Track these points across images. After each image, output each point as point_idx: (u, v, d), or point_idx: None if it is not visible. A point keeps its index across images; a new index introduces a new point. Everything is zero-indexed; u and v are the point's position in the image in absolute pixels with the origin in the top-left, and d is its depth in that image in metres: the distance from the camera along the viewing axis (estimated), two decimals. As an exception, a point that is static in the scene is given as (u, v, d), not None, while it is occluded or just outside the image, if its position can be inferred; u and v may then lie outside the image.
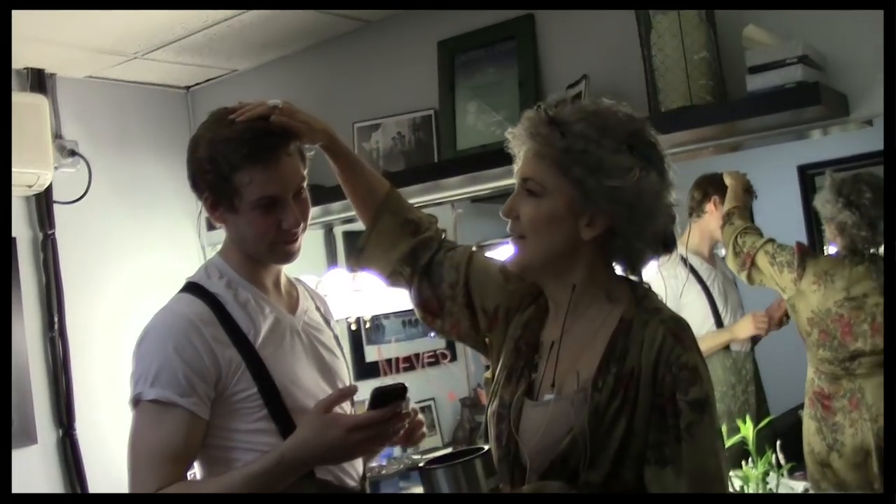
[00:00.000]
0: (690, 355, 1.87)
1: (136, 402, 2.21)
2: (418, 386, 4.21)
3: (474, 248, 2.33)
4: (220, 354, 2.22)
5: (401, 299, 3.98)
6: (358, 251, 2.42)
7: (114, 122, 4.35)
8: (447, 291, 2.26)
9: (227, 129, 2.24)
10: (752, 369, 3.57)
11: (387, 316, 4.33)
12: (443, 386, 4.23)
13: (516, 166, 1.99)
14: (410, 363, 4.18)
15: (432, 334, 4.37)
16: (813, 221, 3.36)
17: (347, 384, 2.47)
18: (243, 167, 2.21)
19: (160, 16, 3.53)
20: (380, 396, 2.12)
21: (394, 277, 2.37)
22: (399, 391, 2.15)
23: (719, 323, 3.58)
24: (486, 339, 2.24)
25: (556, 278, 2.01)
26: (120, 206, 4.33)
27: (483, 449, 1.94)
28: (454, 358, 4.24)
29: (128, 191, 4.37)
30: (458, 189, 3.64)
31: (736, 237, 3.37)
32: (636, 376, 1.86)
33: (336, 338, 2.55)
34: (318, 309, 2.54)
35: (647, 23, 2.96)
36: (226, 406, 2.24)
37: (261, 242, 2.30)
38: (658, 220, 1.93)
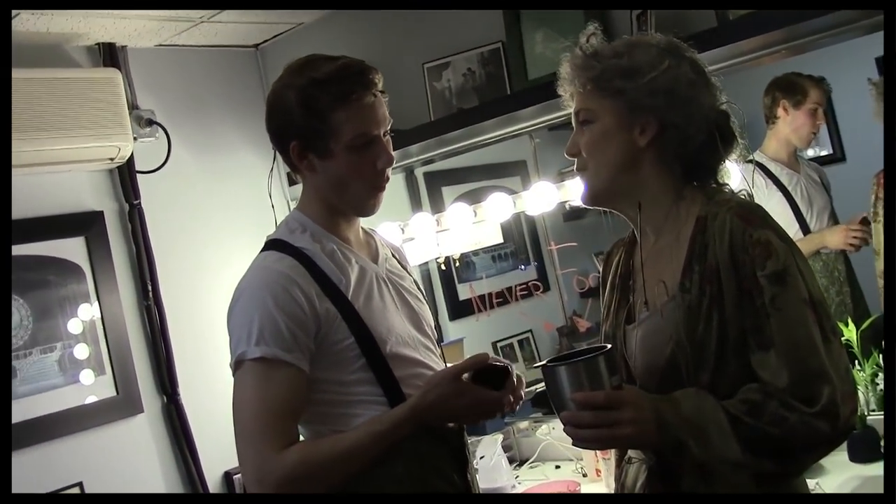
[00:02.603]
0: (760, 232, 1.93)
1: (240, 363, 2.27)
2: (514, 319, 4.31)
3: None
4: (318, 306, 2.29)
5: (488, 235, 4.14)
6: None
7: (187, 87, 4.48)
8: None
9: (317, 72, 2.34)
10: (844, 270, 3.61)
11: (476, 253, 4.39)
12: (538, 317, 4.30)
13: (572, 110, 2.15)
14: (504, 297, 4.24)
15: (522, 266, 4.49)
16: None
17: (433, 328, 2.59)
18: (340, 105, 2.31)
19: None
20: (483, 373, 2.30)
21: None
22: (503, 372, 2.32)
23: (805, 227, 3.62)
24: None
25: (627, 198, 2.13)
26: (201, 170, 4.47)
27: (606, 347, 1.97)
28: (547, 288, 4.32)
29: (207, 154, 4.51)
30: (534, 119, 3.69)
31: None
32: (716, 269, 1.94)
33: (416, 283, 2.65)
34: (394, 256, 2.63)
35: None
36: (326, 358, 2.31)
37: (357, 184, 2.39)
38: (703, 107, 2.05)
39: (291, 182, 4.43)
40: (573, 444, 1.98)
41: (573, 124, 2.14)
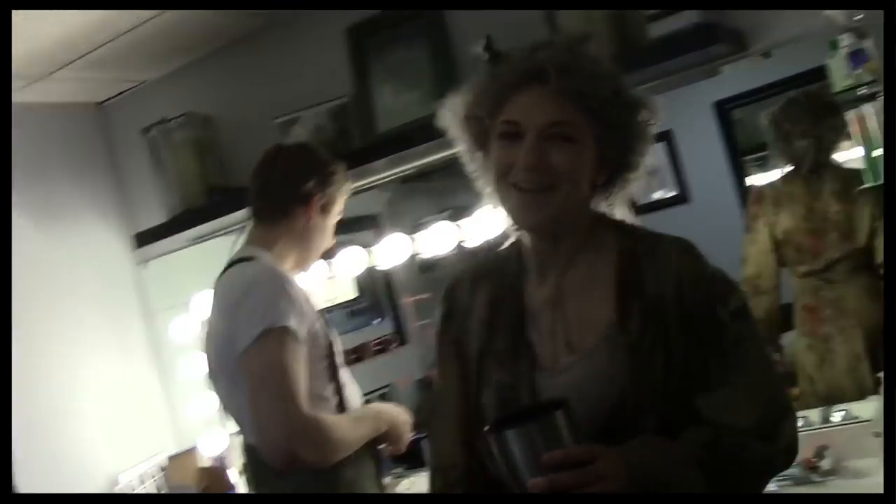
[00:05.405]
0: (713, 267, 1.87)
1: (266, 331, 2.68)
2: (372, 374, 4.30)
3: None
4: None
5: (343, 290, 4.19)
6: None
7: (26, 148, 4.37)
8: None
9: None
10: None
11: (330, 309, 4.43)
12: (396, 371, 4.36)
13: (505, 113, 1.88)
14: (358, 353, 4.26)
15: (378, 321, 4.55)
16: (736, 153, 3.66)
17: None
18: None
19: (59, 33, 3.63)
20: None
21: None
22: None
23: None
24: None
25: (560, 231, 1.94)
26: (39, 234, 4.40)
27: (560, 401, 1.71)
28: (404, 342, 4.38)
29: (46, 217, 4.44)
30: (385, 171, 3.80)
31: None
32: (661, 307, 1.82)
33: None
34: None
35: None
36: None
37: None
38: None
39: (141, 244, 4.44)
40: None
41: (531, 129, 1.85)
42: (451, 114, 1.99)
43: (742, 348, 1.82)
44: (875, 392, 3.14)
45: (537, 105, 1.85)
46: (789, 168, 3.48)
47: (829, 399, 3.29)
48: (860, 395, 3.20)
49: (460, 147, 2.02)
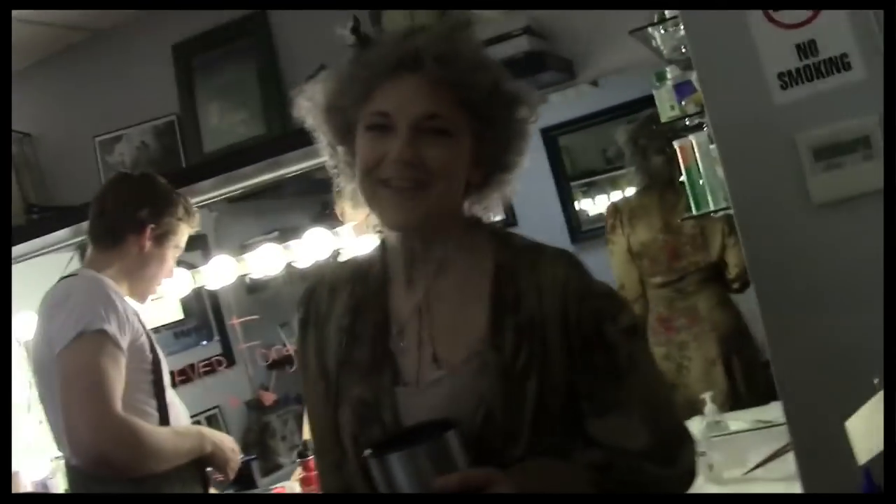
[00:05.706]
0: (600, 283, 1.77)
1: (81, 334, 2.67)
2: (199, 396, 4.26)
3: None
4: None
5: (168, 311, 4.13)
6: None
7: None
8: None
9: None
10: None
11: (157, 329, 4.36)
12: (224, 392, 4.33)
13: (375, 103, 1.71)
14: (186, 375, 4.19)
15: (204, 342, 4.50)
16: (562, 178, 3.74)
17: None
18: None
19: None
20: None
21: None
22: None
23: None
24: None
25: (432, 233, 1.80)
26: None
27: (448, 422, 1.61)
28: (232, 363, 4.34)
29: None
30: (211, 192, 3.74)
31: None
32: (540, 324, 1.70)
33: None
34: None
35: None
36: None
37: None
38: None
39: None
40: None
41: (405, 121, 1.69)
42: (310, 104, 1.80)
43: (634, 369, 1.72)
44: (701, 413, 3.24)
45: (411, 95, 1.69)
46: (640, 186, 3.66)
47: (690, 406, 3.35)
48: (717, 399, 3.29)
49: (320, 140, 1.84)
